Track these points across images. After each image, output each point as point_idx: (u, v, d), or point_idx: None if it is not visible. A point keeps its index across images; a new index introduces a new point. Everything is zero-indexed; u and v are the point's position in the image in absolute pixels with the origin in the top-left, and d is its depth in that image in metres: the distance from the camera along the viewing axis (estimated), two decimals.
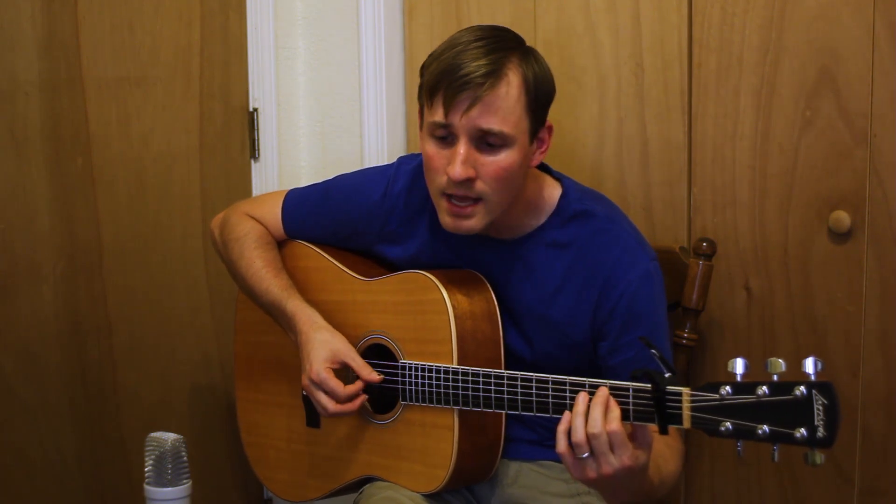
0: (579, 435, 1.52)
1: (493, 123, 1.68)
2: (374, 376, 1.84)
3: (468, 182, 1.71)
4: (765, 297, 2.10)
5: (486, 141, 1.70)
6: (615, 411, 1.52)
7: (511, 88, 1.69)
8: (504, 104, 1.69)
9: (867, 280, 2.00)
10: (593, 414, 1.52)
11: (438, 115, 1.70)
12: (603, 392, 1.54)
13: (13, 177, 2.23)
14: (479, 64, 1.67)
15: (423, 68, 1.77)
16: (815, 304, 2.05)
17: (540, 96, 1.74)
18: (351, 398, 1.82)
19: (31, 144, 2.24)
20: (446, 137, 1.72)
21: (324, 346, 1.84)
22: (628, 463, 1.51)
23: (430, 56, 1.76)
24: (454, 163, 1.70)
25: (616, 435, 1.50)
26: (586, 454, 1.51)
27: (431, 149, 1.74)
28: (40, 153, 2.25)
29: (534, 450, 1.90)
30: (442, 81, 1.69)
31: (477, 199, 1.73)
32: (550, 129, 1.80)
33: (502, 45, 1.72)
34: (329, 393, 1.82)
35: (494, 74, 1.68)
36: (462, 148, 1.69)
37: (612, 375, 1.71)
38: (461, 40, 1.72)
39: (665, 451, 1.71)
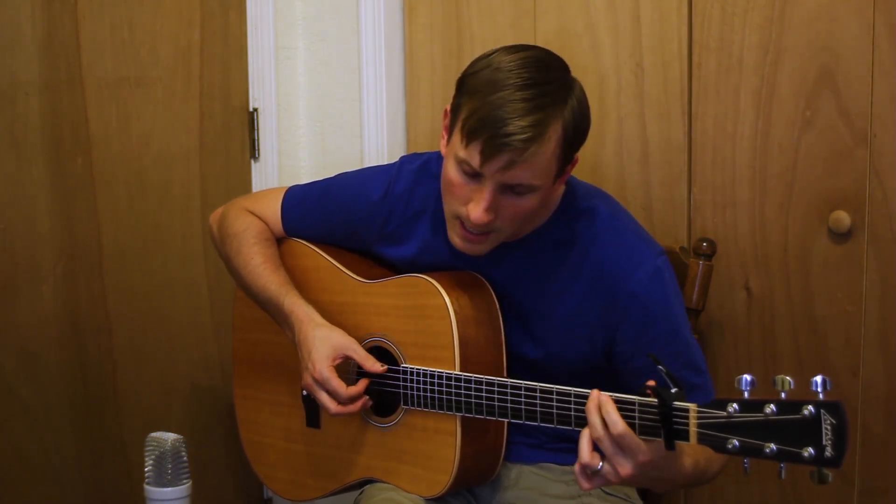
0: (584, 456, 1.51)
1: (524, 179, 1.65)
2: (378, 367, 1.82)
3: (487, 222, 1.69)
4: (765, 297, 2.10)
5: (513, 189, 1.67)
6: (614, 415, 1.51)
7: (550, 145, 1.64)
8: (540, 162, 1.65)
9: (867, 280, 2.00)
10: (592, 420, 1.52)
11: (473, 161, 1.65)
12: (594, 396, 1.53)
13: (13, 177, 2.22)
14: (523, 125, 1.60)
15: (461, 87, 1.70)
16: (815, 304, 2.05)
17: (576, 142, 1.70)
18: (353, 399, 1.82)
19: (31, 144, 2.24)
20: (474, 176, 1.68)
21: (324, 343, 1.82)
22: (643, 459, 1.50)
23: (470, 77, 1.68)
24: (477, 207, 1.67)
25: (622, 438, 1.49)
26: (599, 465, 1.51)
27: (456, 177, 1.69)
28: (40, 153, 2.25)
29: (534, 452, 1.90)
30: (482, 131, 1.62)
31: (489, 231, 1.72)
32: (575, 161, 1.75)
33: (548, 97, 1.64)
34: (331, 393, 1.81)
35: (537, 140, 1.62)
36: (488, 194, 1.66)
37: (635, 376, 1.68)
38: (506, 82, 1.63)
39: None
